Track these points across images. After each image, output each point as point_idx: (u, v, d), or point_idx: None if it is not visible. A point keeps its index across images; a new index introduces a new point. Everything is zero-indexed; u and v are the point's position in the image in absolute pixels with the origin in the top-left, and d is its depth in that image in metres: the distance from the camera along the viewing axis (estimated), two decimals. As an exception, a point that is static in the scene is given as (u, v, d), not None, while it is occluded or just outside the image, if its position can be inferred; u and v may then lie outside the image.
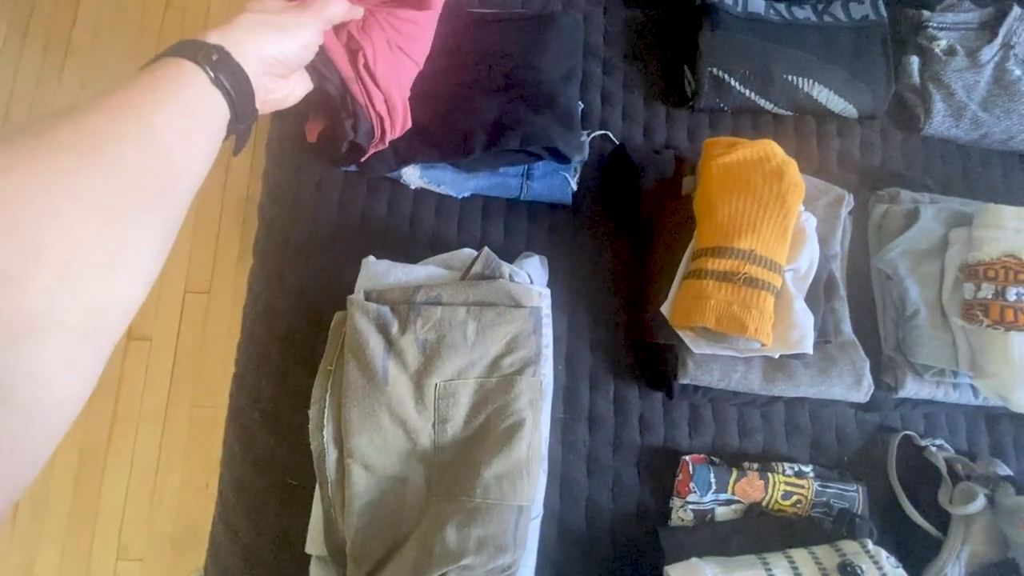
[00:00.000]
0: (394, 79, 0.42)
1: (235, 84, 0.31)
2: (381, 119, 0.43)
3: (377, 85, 0.41)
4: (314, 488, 0.43)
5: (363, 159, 0.47)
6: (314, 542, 0.42)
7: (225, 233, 1.19)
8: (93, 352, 0.23)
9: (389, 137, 0.45)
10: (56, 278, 0.21)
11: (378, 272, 0.45)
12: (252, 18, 0.34)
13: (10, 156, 0.22)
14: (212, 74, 0.30)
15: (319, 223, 0.53)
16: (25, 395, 0.20)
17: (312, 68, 0.39)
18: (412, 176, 0.51)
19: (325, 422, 0.42)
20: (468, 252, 0.47)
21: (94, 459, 1.10)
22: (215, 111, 0.31)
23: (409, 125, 0.46)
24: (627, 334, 0.51)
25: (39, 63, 1.29)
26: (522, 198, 0.52)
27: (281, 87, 0.38)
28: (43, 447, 0.22)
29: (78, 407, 0.23)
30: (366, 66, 0.41)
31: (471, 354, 0.43)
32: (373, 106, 0.42)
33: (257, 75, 0.33)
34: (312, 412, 0.42)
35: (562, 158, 0.49)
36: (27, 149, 0.23)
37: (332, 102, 0.42)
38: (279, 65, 0.35)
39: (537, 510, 0.44)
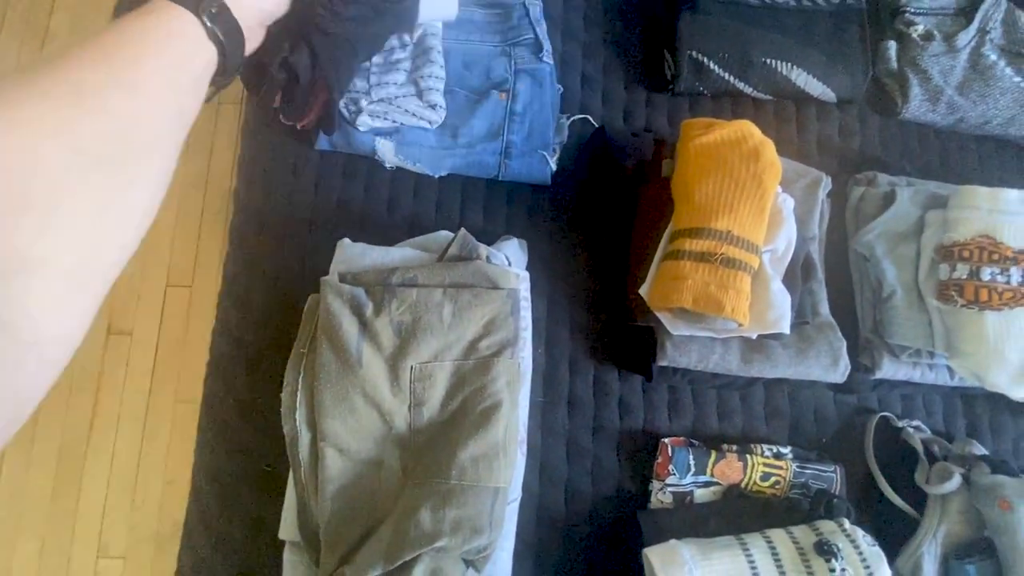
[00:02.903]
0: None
1: (230, 39, 0.31)
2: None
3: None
4: (288, 473, 0.42)
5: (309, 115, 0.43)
6: (288, 527, 0.41)
7: (207, 226, 1.18)
8: (85, 292, 0.24)
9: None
10: (43, 221, 0.22)
11: (353, 254, 0.45)
12: None
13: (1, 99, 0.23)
14: (209, 27, 0.30)
15: (295, 207, 0.52)
16: (21, 329, 0.21)
17: None
18: (388, 153, 0.50)
19: (298, 405, 0.41)
20: (445, 234, 0.46)
21: (74, 455, 1.09)
22: (206, 64, 0.31)
23: None
24: (607, 317, 0.51)
25: (16, 52, 1.26)
26: (500, 177, 0.51)
27: (258, 36, 0.37)
28: (40, 381, 0.23)
29: (73, 346, 0.24)
30: None
31: (447, 336, 0.42)
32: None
33: (249, 29, 0.33)
34: (284, 395, 0.41)
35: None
36: (13, 98, 0.23)
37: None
38: (270, 18, 0.35)
39: (515, 493, 0.43)
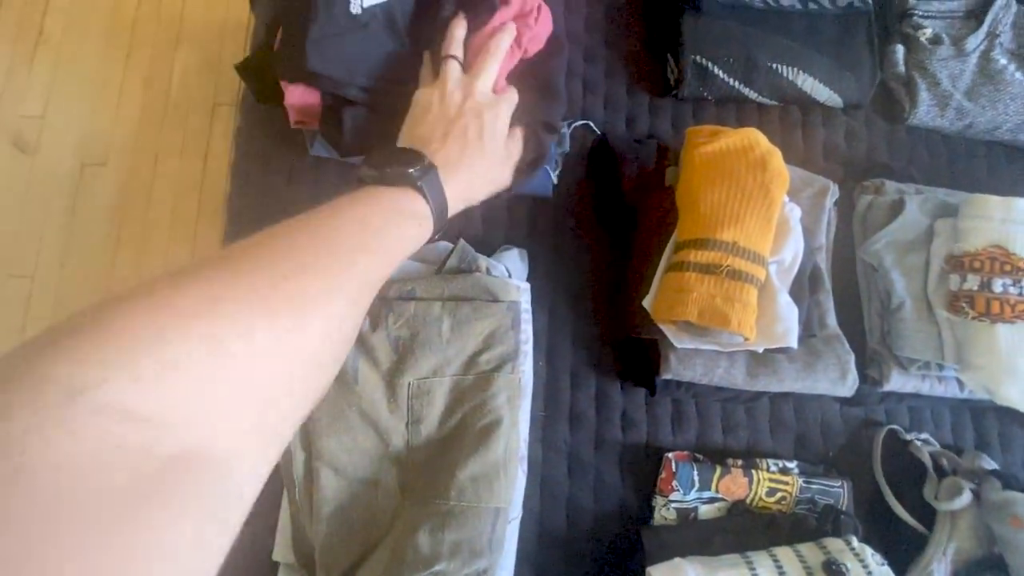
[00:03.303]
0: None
1: (439, 223, 0.36)
2: None
3: None
4: (283, 492, 0.41)
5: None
6: (282, 549, 0.40)
7: (203, 230, 1.16)
8: (271, 445, 0.24)
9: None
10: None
11: (349, 266, 0.43)
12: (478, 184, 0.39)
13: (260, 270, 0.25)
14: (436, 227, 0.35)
15: (290, 215, 0.51)
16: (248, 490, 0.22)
17: None
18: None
19: (292, 423, 0.40)
20: (444, 245, 0.45)
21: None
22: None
23: None
24: (610, 329, 0.50)
25: (10, 53, 1.25)
26: (500, 190, 0.50)
27: None
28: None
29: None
30: None
31: (446, 351, 0.41)
32: None
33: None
34: (278, 413, 0.40)
35: (551, 129, 0.46)
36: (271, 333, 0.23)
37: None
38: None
39: (516, 511, 0.42)
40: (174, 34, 1.25)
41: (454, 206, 0.37)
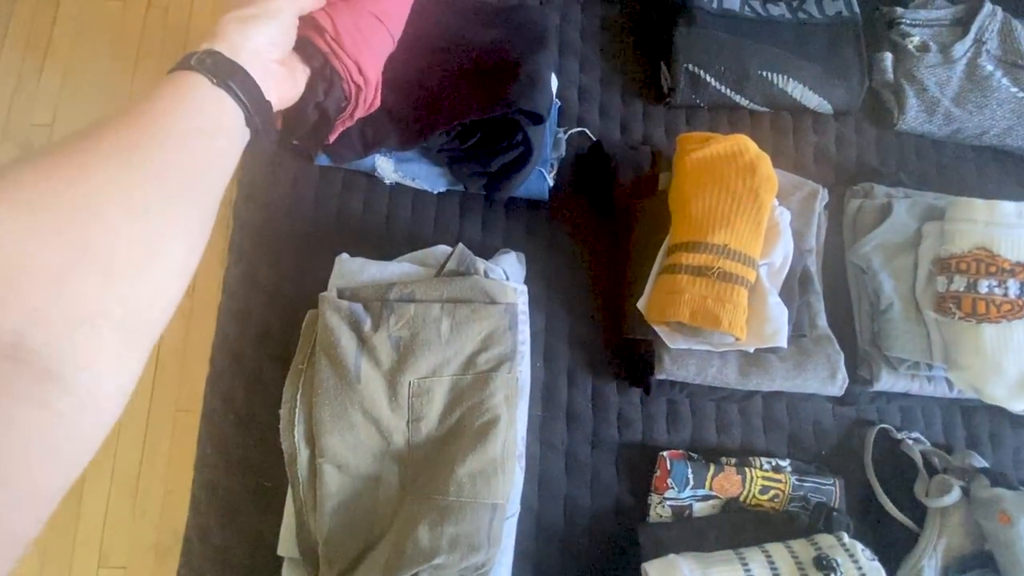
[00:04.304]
0: (366, 49, 0.42)
1: (237, 80, 0.33)
2: (356, 89, 0.43)
3: (347, 54, 0.41)
4: (287, 489, 0.42)
5: (330, 138, 0.46)
6: (286, 544, 0.41)
7: (210, 237, 1.18)
8: (138, 347, 0.25)
9: (359, 112, 0.45)
10: (103, 275, 0.23)
11: (352, 270, 0.45)
12: (231, 17, 0.35)
13: (51, 164, 0.24)
14: (211, 77, 0.31)
15: (294, 221, 0.52)
16: (81, 386, 0.22)
17: (299, 50, 0.40)
18: (387, 170, 0.50)
19: (296, 422, 0.41)
20: (443, 249, 0.47)
21: (75, 465, 1.09)
22: (225, 109, 0.32)
23: (378, 104, 0.45)
24: (605, 330, 0.51)
25: (19, 63, 1.27)
26: (499, 194, 0.51)
27: (287, 77, 0.38)
28: (94, 440, 0.23)
29: (125, 401, 0.24)
30: (335, 39, 0.40)
31: (445, 351, 0.42)
32: (350, 76, 0.42)
33: (256, 67, 0.34)
34: (283, 412, 0.42)
35: (535, 118, 0.46)
36: (67, 159, 0.25)
37: (312, 75, 0.41)
38: (271, 48, 0.36)
39: (513, 508, 0.43)
40: (181, 43, 1.28)
41: (266, 85, 0.34)
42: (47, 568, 1.06)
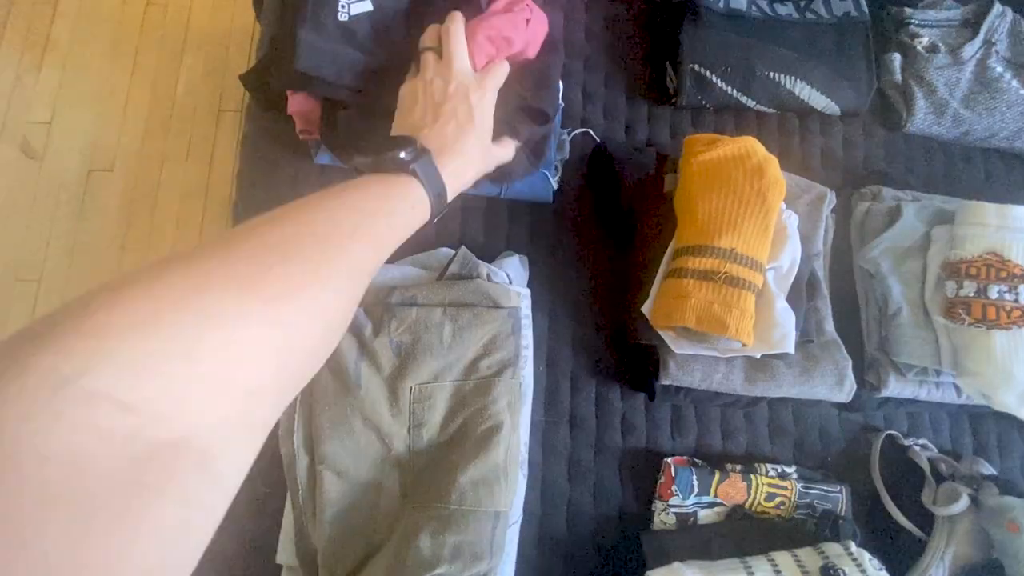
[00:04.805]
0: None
1: (438, 206, 0.36)
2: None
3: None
4: (286, 495, 0.42)
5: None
6: (285, 551, 0.41)
7: (208, 234, 1.18)
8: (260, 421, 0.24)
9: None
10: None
11: (352, 273, 0.44)
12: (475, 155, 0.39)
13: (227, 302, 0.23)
14: (434, 209, 0.35)
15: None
16: (228, 479, 0.22)
17: None
18: (387, 173, 0.49)
19: (295, 428, 0.40)
20: (445, 252, 0.46)
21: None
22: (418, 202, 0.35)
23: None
24: (609, 335, 0.50)
25: (17, 59, 1.26)
26: (502, 196, 0.50)
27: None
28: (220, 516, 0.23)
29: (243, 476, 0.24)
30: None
31: (447, 356, 0.42)
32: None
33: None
34: (281, 417, 0.41)
35: (542, 117, 0.46)
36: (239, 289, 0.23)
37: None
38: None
39: (516, 515, 0.43)
40: (180, 41, 1.27)
41: (452, 186, 0.37)
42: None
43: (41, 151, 1.21)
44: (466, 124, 0.38)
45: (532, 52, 0.46)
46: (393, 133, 0.39)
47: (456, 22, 0.41)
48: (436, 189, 0.35)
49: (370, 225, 0.30)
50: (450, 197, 0.37)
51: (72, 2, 1.30)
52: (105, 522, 0.17)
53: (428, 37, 0.42)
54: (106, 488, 0.17)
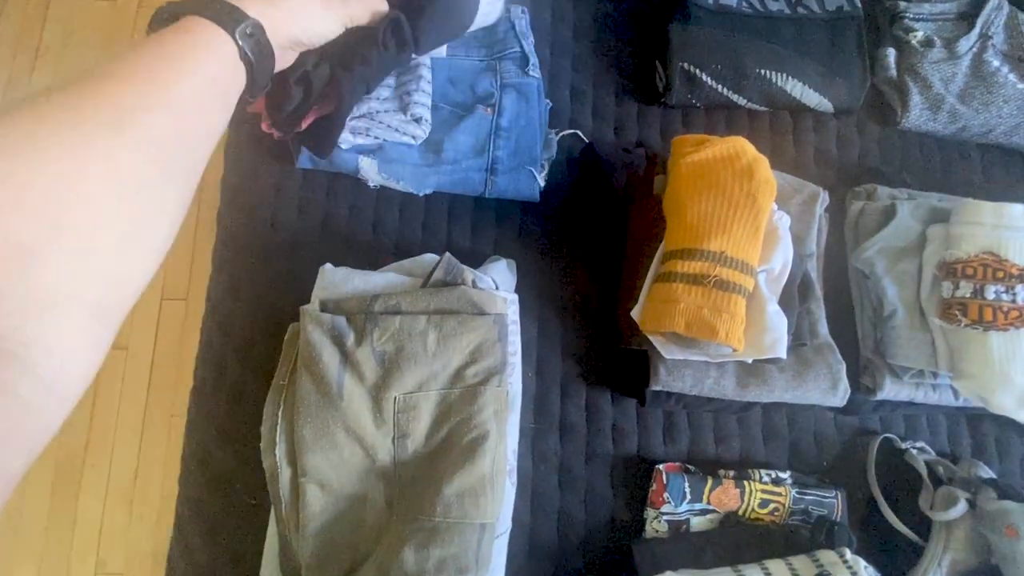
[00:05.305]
0: None
1: (260, 61, 0.30)
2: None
3: None
4: (269, 510, 0.41)
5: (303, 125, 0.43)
6: (269, 566, 0.40)
7: (201, 237, 1.17)
8: (106, 327, 0.23)
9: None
10: (77, 254, 0.21)
11: (335, 280, 0.43)
12: None
13: (36, 123, 0.21)
14: (241, 46, 0.29)
15: (278, 229, 0.51)
16: (45, 368, 0.20)
17: None
18: (371, 172, 0.49)
19: (278, 440, 0.40)
20: (430, 258, 0.45)
21: (70, 472, 1.08)
22: (236, 84, 0.30)
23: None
24: (599, 340, 0.50)
25: (9, 64, 1.26)
26: (487, 195, 0.50)
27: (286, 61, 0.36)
28: (56, 420, 0.22)
29: (88, 382, 0.23)
30: None
31: (432, 365, 0.41)
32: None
33: (281, 52, 0.32)
34: (264, 430, 0.40)
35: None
36: (54, 119, 0.22)
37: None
38: (303, 47, 0.34)
39: (505, 525, 0.42)
40: (171, 44, 1.26)
41: (277, 41, 0.31)
42: (44, 574, 1.05)
43: (33, 157, 1.20)
44: None
45: None
46: None
47: None
48: (252, 41, 0.29)
49: (163, 93, 0.26)
50: (289, 38, 0.32)
51: (64, 6, 1.29)
52: None
53: None
54: None
